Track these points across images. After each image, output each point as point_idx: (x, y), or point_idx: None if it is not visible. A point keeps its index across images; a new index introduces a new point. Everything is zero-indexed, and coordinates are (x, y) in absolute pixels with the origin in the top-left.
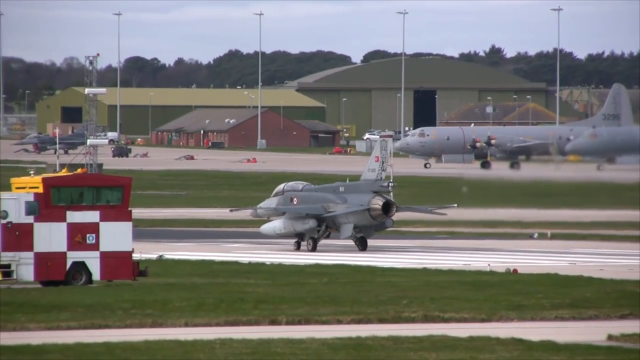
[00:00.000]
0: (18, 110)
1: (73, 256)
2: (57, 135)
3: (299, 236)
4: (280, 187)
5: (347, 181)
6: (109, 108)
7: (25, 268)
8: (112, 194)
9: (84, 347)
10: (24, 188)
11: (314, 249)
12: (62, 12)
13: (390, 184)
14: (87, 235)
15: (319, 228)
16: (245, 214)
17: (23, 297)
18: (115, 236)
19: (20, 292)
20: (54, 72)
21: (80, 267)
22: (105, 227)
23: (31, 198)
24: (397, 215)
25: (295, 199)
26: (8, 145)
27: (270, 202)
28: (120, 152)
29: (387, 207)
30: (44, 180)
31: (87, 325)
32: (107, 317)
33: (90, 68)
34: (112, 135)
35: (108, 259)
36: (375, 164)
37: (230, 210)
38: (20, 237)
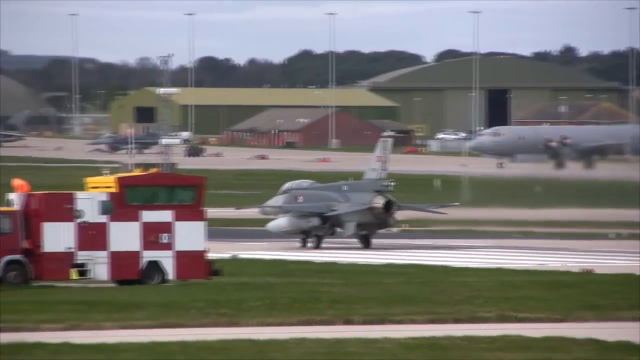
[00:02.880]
0: (92, 110)
1: (147, 255)
2: (130, 135)
3: (305, 234)
4: (286, 185)
5: (350, 180)
6: (181, 108)
7: (100, 267)
8: (186, 193)
9: (159, 346)
10: (98, 188)
11: (318, 246)
12: (135, 12)
13: (390, 183)
14: (161, 234)
15: (323, 226)
16: (251, 212)
17: (98, 296)
18: (189, 235)
19: (95, 291)
20: (127, 73)
21: (155, 267)
22: (179, 227)
23: (105, 198)
24: (468, 214)
25: (300, 197)
26: (82, 145)
27: (277, 201)
28: (193, 151)
29: (388, 206)
30: (118, 179)
31: (162, 324)
32: (182, 316)
33: (163, 68)
34: (185, 135)
35: (182, 258)
36: (377, 164)
37: (236, 209)
38: (95, 237)
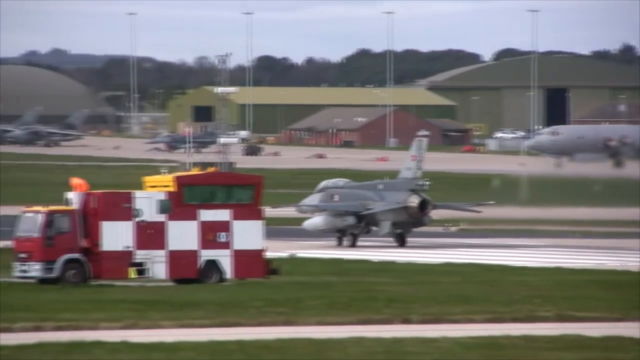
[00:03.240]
0: (150, 109)
1: (205, 254)
2: (188, 134)
3: (340, 232)
4: (322, 184)
5: (386, 179)
6: (239, 107)
7: (158, 266)
8: (244, 192)
9: (217, 345)
10: (156, 187)
11: (353, 244)
12: (193, 11)
13: (425, 182)
14: (219, 233)
15: (358, 224)
16: (287, 211)
17: (157, 295)
18: (247, 234)
19: (153, 289)
20: (185, 72)
21: (213, 266)
22: (237, 226)
23: (164, 197)
24: (526, 214)
25: (336, 196)
26: (140, 144)
27: (313, 199)
28: (251, 150)
29: (423, 205)
30: (176, 179)
31: (220, 323)
32: (240, 315)
33: (221, 67)
34: (243, 134)
35: (240, 257)
36: (412, 163)
37: (272, 207)
38: (153, 236)
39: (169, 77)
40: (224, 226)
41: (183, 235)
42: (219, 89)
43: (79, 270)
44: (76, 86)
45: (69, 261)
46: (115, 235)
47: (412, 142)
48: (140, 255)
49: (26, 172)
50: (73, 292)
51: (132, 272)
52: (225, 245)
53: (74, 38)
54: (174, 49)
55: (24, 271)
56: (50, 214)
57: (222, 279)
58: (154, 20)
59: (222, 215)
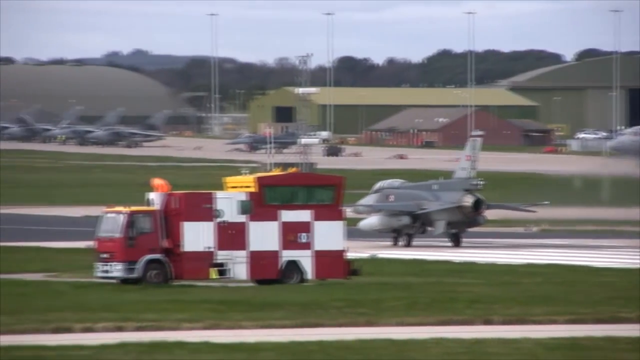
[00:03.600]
0: (231, 110)
1: (286, 255)
2: (269, 134)
3: (396, 232)
4: (378, 184)
5: (441, 179)
6: (320, 108)
7: (239, 267)
8: (325, 193)
9: (297, 345)
10: (237, 187)
11: (408, 244)
12: (274, 12)
13: (479, 181)
14: (300, 234)
15: (413, 224)
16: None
17: (238, 296)
18: (328, 235)
19: (235, 290)
20: (266, 72)
21: (294, 266)
22: (318, 226)
23: (245, 197)
24: (609, 214)
25: (391, 196)
26: (221, 145)
27: (369, 199)
28: (332, 151)
29: (477, 205)
30: (257, 179)
31: (301, 324)
32: (321, 316)
33: (302, 68)
34: (323, 134)
35: (321, 257)
36: (466, 163)
37: None
38: (234, 236)
39: (250, 77)
40: (305, 227)
41: (264, 235)
42: (300, 90)
43: (160, 270)
44: (157, 87)
45: (151, 261)
46: (197, 236)
47: (466, 142)
48: (221, 255)
49: (108, 173)
50: (155, 293)
51: (213, 273)
52: (306, 245)
53: (155, 39)
54: (255, 49)
55: (106, 271)
56: (132, 214)
57: (302, 280)
58: (235, 21)
59: (303, 215)
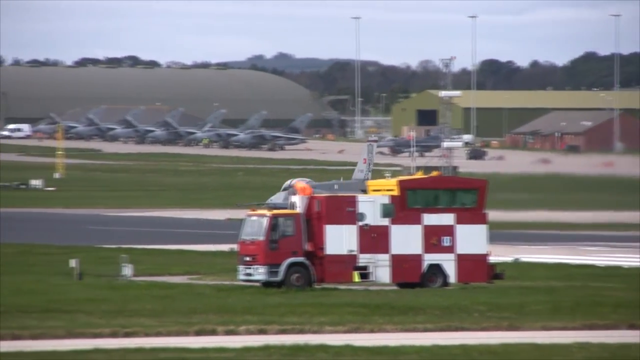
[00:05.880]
0: (374, 113)
1: (429, 258)
2: (412, 138)
3: None
4: (287, 182)
5: (341, 180)
6: (463, 111)
7: (381, 270)
8: (468, 196)
9: (440, 349)
10: (380, 190)
11: None
12: (418, 15)
13: None
14: (442, 237)
15: None
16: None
17: (380, 299)
18: (471, 239)
19: (377, 293)
20: (409, 75)
21: (436, 270)
22: (461, 230)
23: (387, 200)
24: None
25: None
26: (364, 148)
27: (278, 197)
28: (476, 154)
29: None
30: (400, 182)
31: (444, 328)
32: (464, 320)
33: (445, 71)
34: (467, 138)
35: (463, 261)
36: (363, 166)
37: (237, 205)
38: (376, 240)
39: (392, 80)
40: (448, 230)
41: (406, 239)
42: (443, 93)
43: (302, 274)
44: (300, 90)
45: (293, 265)
46: (339, 239)
47: (363, 148)
48: (363, 259)
49: (251, 176)
50: (297, 296)
51: (355, 276)
52: (449, 249)
53: (299, 42)
54: (398, 52)
55: (249, 274)
56: (275, 217)
57: (445, 283)
58: (378, 24)
59: (445, 219)
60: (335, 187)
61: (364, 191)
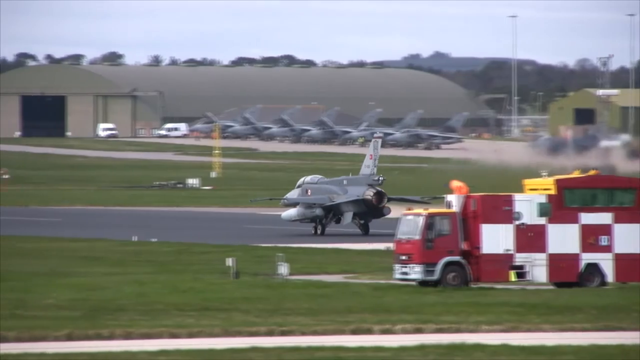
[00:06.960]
0: (530, 112)
1: (586, 258)
2: (569, 137)
3: (314, 221)
4: (300, 180)
5: (350, 175)
6: (621, 109)
7: (538, 269)
8: (625, 195)
9: (598, 349)
10: (536, 190)
11: (322, 232)
12: (574, 14)
13: (380, 177)
14: (600, 237)
15: (326, 215)
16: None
17: (537, 298)
18: (629, 238)
19: (533, 293)
20: (566, 74)
21: (594, 269)
22: (619, 229)
23: (544, 199)
24: None
25: (309, 190)
26: (521, 148)
27: (293, 194)
28: (634, 154)
29: (379, 197)
30: (557, 182)
31: (602, 327)
32: (622, 320)
33: (603, 69)
34: (624, 137)
35: (621, 260)
36: (370, 161)
37: (251, 201)
38: (533, 239)
39: (549, 79)
40: (605, 229)
41: (563, 238)
42: (601, 92)
43: (459, 273)
44: (456, 89)
45: (449, 264)
46: (496, 238)
47: (370, 145)
48: (520, 258)
49: (406, 175)
50: (453, 295)
51: (512, 275)
52: (607, 248)
53: (456, 41)
54: (555, 51)
55: (405, 273)
56: (431, 216)
57: (603, 283)
58: (534, 23)
59: (603, 218)
60: (345, 182)
61: (371, 185)
